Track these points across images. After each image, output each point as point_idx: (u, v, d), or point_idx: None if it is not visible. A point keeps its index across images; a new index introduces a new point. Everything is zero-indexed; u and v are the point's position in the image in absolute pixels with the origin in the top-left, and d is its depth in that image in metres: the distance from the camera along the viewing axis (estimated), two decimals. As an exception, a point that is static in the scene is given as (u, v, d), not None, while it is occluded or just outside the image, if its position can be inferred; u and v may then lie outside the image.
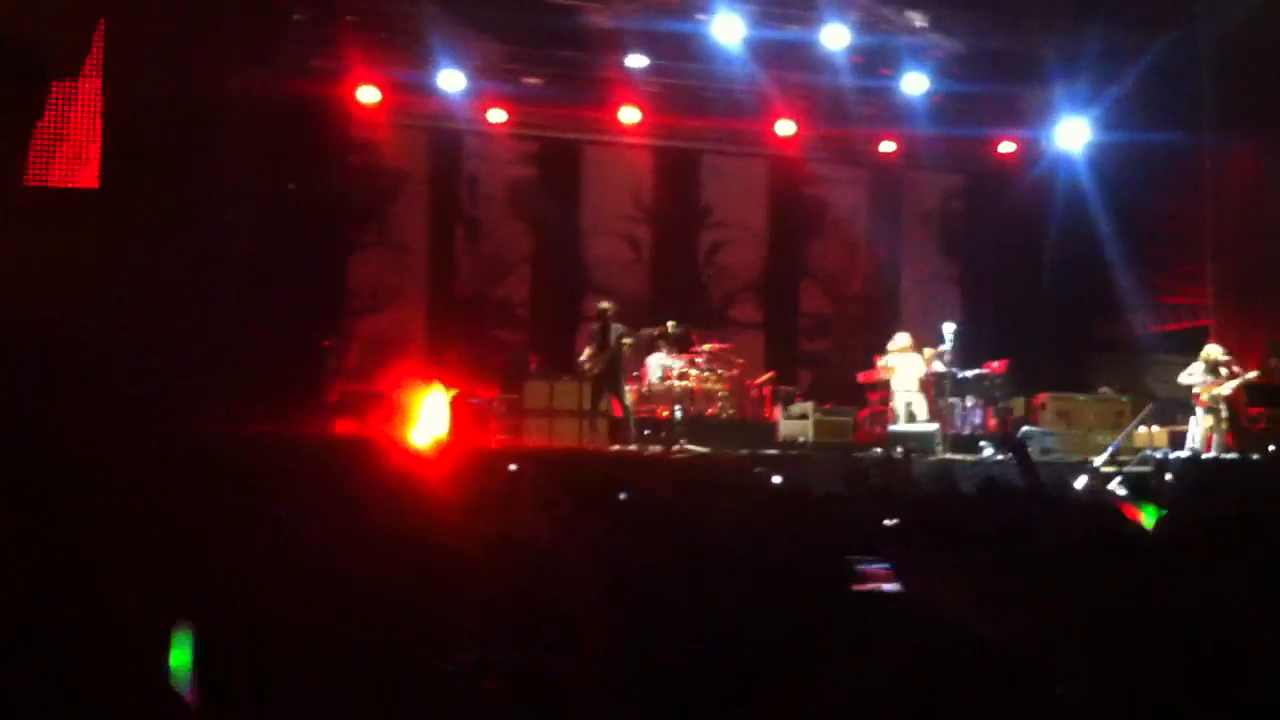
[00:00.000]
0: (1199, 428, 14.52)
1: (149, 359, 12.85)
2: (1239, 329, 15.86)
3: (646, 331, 15.82)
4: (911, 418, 15.27)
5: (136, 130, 13.20)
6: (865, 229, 20.26)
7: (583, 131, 18.79)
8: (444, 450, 12.93)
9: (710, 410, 16.10)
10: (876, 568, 3.19)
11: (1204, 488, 7.34)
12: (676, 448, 13.92)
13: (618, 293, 17.71)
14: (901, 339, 15.89)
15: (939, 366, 15.63)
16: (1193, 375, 14.54)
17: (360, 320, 18.23)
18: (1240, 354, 14.83)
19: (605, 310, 14.83)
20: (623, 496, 8.05)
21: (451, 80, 16.99)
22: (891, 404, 15.61)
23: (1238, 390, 14.37)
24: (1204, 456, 13.96)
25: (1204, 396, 14.40)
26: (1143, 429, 15.19)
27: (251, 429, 13.09)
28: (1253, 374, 14.37)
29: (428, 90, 17.34)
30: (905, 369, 15.60)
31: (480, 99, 17.63)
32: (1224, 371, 14.43)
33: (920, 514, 5.66)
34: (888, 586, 3.15)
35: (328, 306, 17.46)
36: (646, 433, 14.37)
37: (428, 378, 15.54)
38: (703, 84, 17.66)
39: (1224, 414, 14.39)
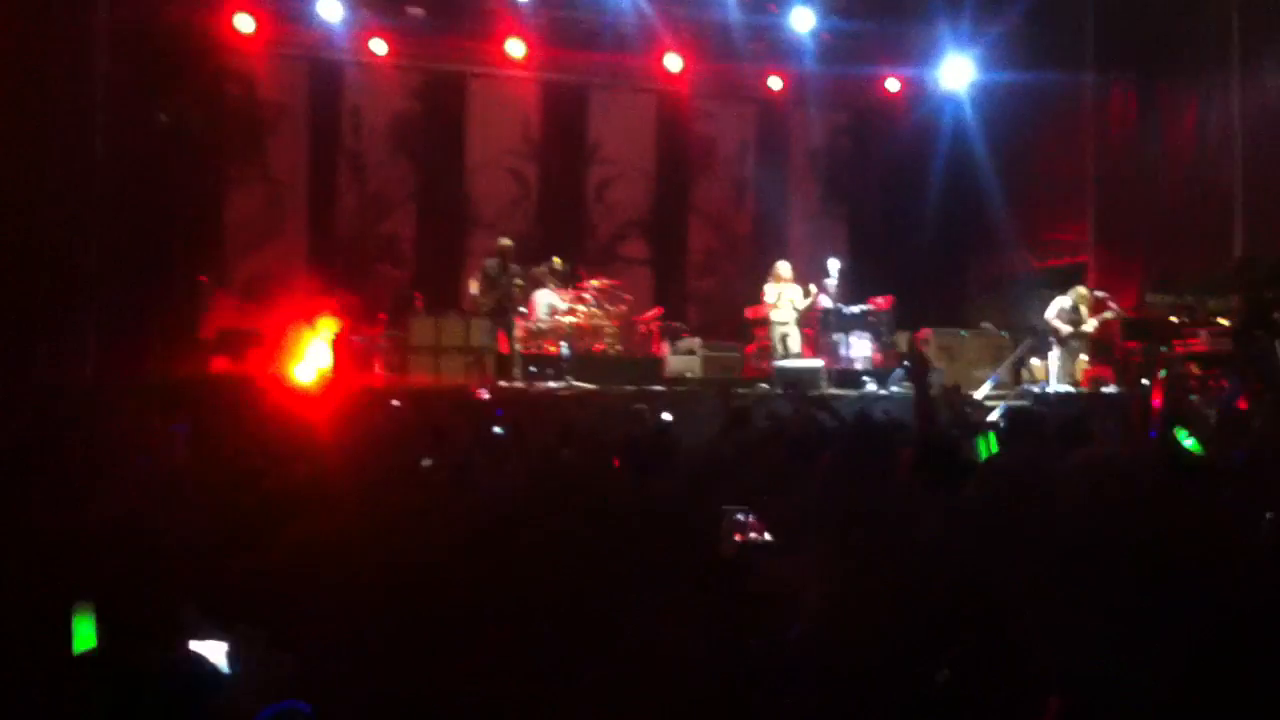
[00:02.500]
0: (1059, 364, 14.84)
1: (17, 299, 12.42)
2: (1116, 265, 16.22)
3: (540, 270, 15.67)
4: (786, 351, 15.28)
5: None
6: (753, 166, 20.26)
7: (468, 65, 18.43)
8: (327, 388, 12.71)
9: (598, 346, 16.02)
10: (749, 519, 3.12)
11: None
12: (563, 384, 13.83)
13: (505, 229, 17.44)
14: (784, 268, 15.75)
15: (825, 302, 15.70)
16: (1059, 313, 14.83)
17: (240, 257, 17.72)
18: (1116, 290, 15.15)
19: (507, 248, 14.52)
20: (498, 430, 7.97)
21: (330, 8, 16.50)
22: (771, 335, 15.53)
23: (1114, 326, 14.68)
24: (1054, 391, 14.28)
25: (1063, 333, 14.74)
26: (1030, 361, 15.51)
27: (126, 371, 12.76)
28: (1108, 314, 14.68)
29: (306, 19, 16.84)
30: (784, 301, 15.55)
31: (361, 29, 17.16)
32: (1083, 309, 14.77)
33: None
34: (756, 535, 3.09)
35: (204, 243, 16.96)
36: (533, 370, 14.22)
37: (310, 315, 15.23)
38: (590, 17, 17.45)
39: (1081, 352, 14.77)
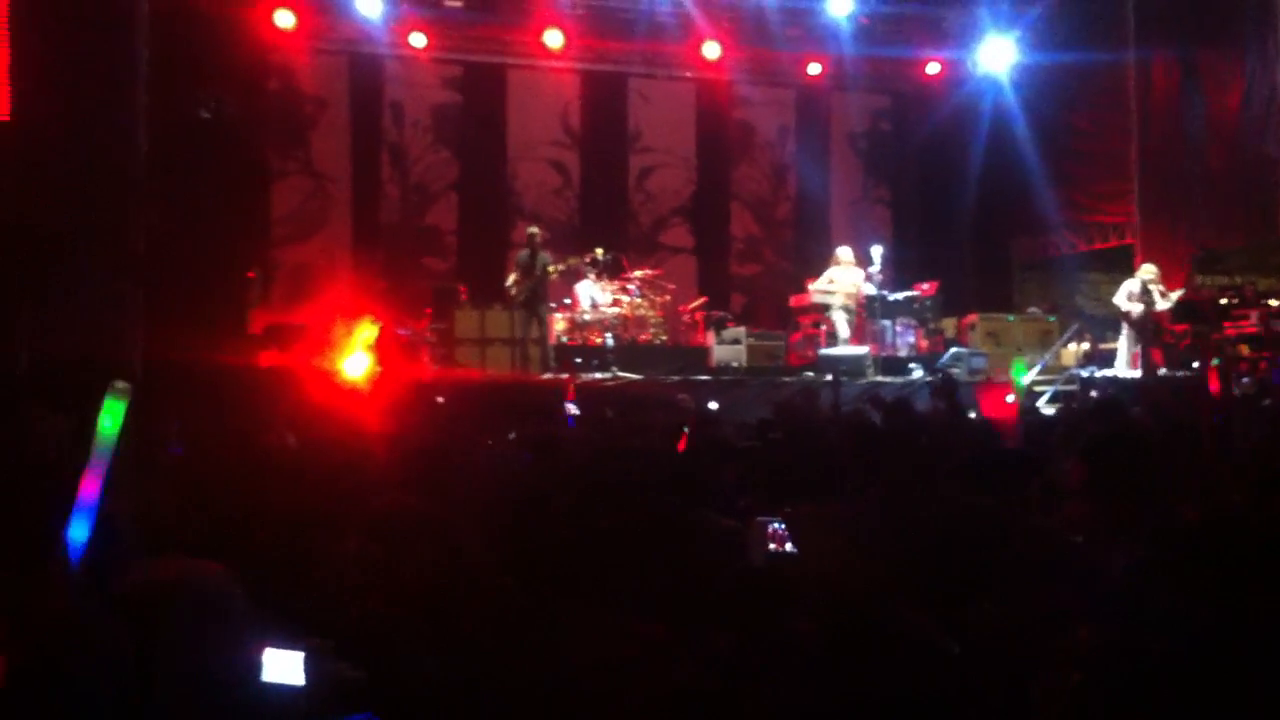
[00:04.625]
0: (1127, 346, 14.67)
1: (65, 292, 12.55)
2: (1162, 246, 16.03)
3: (575, 260, 15.66)
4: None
5: (45, 59, 12.76)
6: (793, 152, 20.19)
7: (507, 55, 18.47)
8: (373, 382, 12.78)
9: (643, 336, 16.04)
10: (779, 529, 3.13)
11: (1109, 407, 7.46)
12: (609, 375, 13.86)
13: (547, 219, 17.54)
14: (845, 252, 15.53)
15: (869, 289, 15.63)
16: (1129, 296, 14.63)
17: (284, 250, 17.88)
18: (1163, 271, 15.00)
19: (534, 235, 14.62)
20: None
21: (369, 4, 16.57)
22: (831, 319, 15.30)
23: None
24: (1122, 375, 14.17)
25: (1134, 316, 14.52)
26: (1070, 347, 15.38)
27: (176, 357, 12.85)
28: (1178, 293, 14.53)
29: (345, 14, 16.93)
30: (845, 285, 15.40)
31: (400, 23, 17.25)
32: (1155, 290, 14.54)
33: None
34: (786, 547, 3.09)
35: (250, 236, 17.07)
36: (578, 361, 14.26)
37: (355, 309, 15.30)
38: (627, 6, 17.44)
39: (1152, 332, 14.56)
